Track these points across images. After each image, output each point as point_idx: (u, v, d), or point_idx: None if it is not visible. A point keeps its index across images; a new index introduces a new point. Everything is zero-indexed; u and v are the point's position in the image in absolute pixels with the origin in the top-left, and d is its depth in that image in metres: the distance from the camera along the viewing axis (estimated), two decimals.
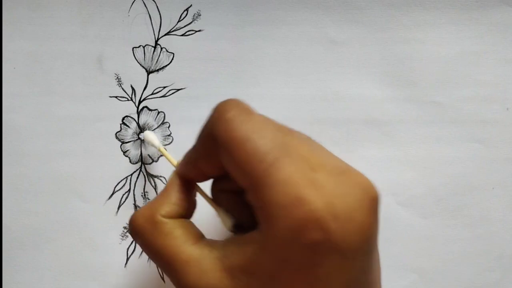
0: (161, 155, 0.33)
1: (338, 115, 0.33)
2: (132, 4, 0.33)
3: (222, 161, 0.22)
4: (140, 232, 0.23)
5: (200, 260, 0.22)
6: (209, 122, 0.22)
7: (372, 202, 0.20)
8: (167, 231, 0.23)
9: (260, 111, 0.22)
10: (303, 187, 0.19)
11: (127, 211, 0.33)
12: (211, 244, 0.22)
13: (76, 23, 0.33)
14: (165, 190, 0.25)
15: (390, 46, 0.33)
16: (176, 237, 0.23)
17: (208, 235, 0.24)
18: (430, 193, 0.34)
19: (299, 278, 0.20)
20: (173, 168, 0.27)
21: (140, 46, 0.33)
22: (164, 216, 0.23)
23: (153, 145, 0.32)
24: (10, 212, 0.33)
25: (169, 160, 0.30)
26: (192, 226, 0.24)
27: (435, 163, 0.34)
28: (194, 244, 0.22)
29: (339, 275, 0.20)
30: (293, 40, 0.33)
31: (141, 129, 0.33)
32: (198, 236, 0.23)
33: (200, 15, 0.33)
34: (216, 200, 0.25)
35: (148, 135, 0.32)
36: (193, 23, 0.33)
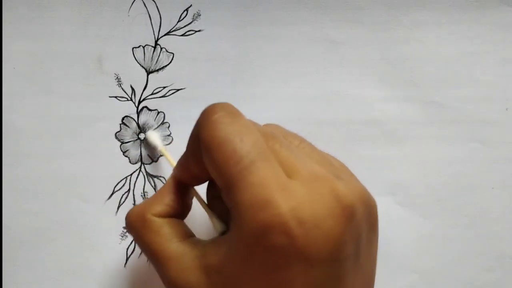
0: (161, 155, 0.33)
1: (338, 115, 0.33)
2: (132, 4, 0.33)
3: (205, 163, 0.22)
4: (132, 227, 0.25)
5: (181, 257, 0.23)
6: (196, 124, 0.23)
7: (344, 211, 0.20)
8: (155, 229, 0.24)
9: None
10: (273, 191, 0.20)
11: (127, 211, 0.33)
12: (195, 243, 0.23)
13: (76, 23, 0.33)
14: (160, 191, 0.26)
15: (390, 46, 0.33)
16: (162, 235, 0.24)
17: (202, 237, 0.25)
18: (430, 193, 0.34)
19: (263, 281, 0.20)
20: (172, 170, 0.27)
21: (140, 46, 0.33)
22: (154, 215, 0.24)
23: (155, 146, 0.32)
24: (10, 212, 0.33)
25: (169, 162, 0.30)
26: (181, 225, 0.25)
27: (435, 163, 0.34)
28: (179, 242, 0.23)
29: (303, 281, 0.20)
30: (293, 40, 0.33)
31: (141, 129, 0.33)
32: (186, 235, 0.24)
33: (200, 15, 0.33)
34: (210, 205, 0.26)
35: (151, 135, 0.32)
36: (193, 23, 0.33)
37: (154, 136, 0.32)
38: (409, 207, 0.34)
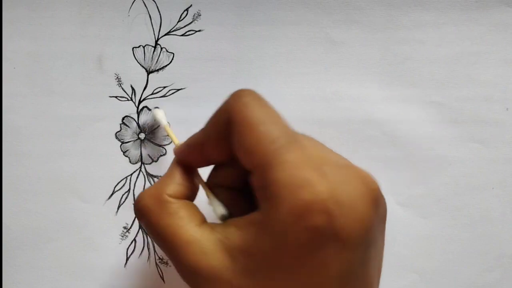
0: (162, 155, 0.33)
1: (338, 115, 0.33)
2: (132, 4, 0.33)
3: (233, 143, 0.22)
4: (146, 211, 0.23)
5: (202, 241, 0.22)
6: (225, 106, 0.23)
7: (373, 195, 0.21)
8: (173, 211, 0.23)
9: None
10: (310, 171, 0.20)
11: (127, 211, 0.33)
12: (212, 226, 0.23)
13: (76, 23, 0.33)
14: (169, 171, 0.25)
15: (390, 46, 0.33)
16: (180, 218, 0.23)
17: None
18: (430, 193, 0.34)
19: (296, 263, 0.20)
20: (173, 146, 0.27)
21: (140, 46, 0.33)
22: (170, 196, 0.24)
23: (160, 123, 0.32)
24: (10, 212, 0.33)
25: (172, 139, 0.30)
26: (196, 208, 0.24)
27: (435, 163, 0.34)
28: (197, 225, 0.23)
29: (336, 264, 0.20)
30: (293, 40, 0.33)
31: (141, 129, 0.33)
32: (201, 219, 0.23)
33: (200, 15, 0.33)
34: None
35: (157, 112, 0.32)
36: (193, 23, 0.33)
37: (160, 114, 0.32)
38: (409, 207, 0.34)
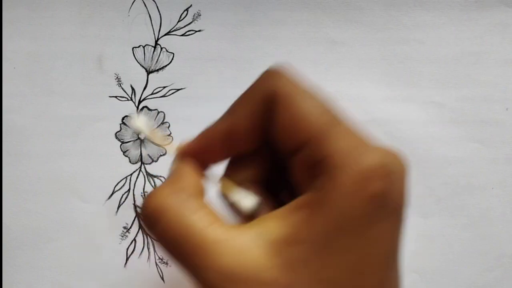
0: (162, 155, 0.33)
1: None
2: (132, 4, 0.33)
3: (273, 123, 0.20)
4: (163, 212, 0.19)
5: (234, 238, 0.19)
6: (262, 82, 0.21)
7: (406, 168, 0.20)
8: (195, 209, 0.20)
9: None
10: (364, 139, 0.19)
11: (127, 211, 0.33)
12: (244, 225, 0.20)
13: (76, 23, 0.33)
14: (177, 169, 0.22)
15: (390, 46, 0.33)
16: (205, 215, 0.19)
17: None
18: (430, 193, 0.34)
19: (354, 239, 0.18)
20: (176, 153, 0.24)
21: (140, 46, 0.33)
22: (189, 194, 0.20)
23: (141, 131, 0.28)
24: (10, 212, 0.33)
25: (160, 145, 0.28)
26: (214, 208, 0.21)
27: (435, 163, 0.34)
28: (222, 224, 0.19)
29: (389, 238, 0.19)
30: (293, 40, 0.33)
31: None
32: (222, 218, 0.20)
33: (200, 15, 0.33)
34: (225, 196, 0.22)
35: (135, 121, 0.26)
36: (193, 23, 0.33)
37: (138, 122, 0.28)
38: (409, 207, 0.34)
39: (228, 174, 0.22)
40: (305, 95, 0.20)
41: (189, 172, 0.22)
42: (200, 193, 0.21)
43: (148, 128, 0.26)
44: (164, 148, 0.28)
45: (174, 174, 0.22)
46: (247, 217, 0.21)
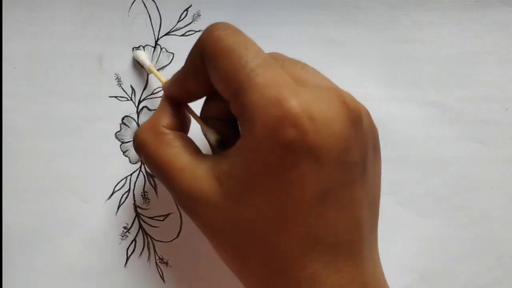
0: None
1: None
2: (132, 4, 0.33)
3: (210, 76, 0.23)
4: (144, 144, 0.25)
5: (194, 168, 0.23)
6: (198, 40, 0.23)
7: (351, 115, 0.21)
8: (168, 141, 0.25)
9: None
10: (282, 90, 0.20)
11: (127, 211, 0.33)
12: (204, 156, 0.24)
13: (76, 23, 0.33)
14: (161, 106, 0.26)
15: (390, 46, 0.33)
16: (175, 147, 0.24)
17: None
18: (430, 193, 0.34)
19: (273, 183, 0.21)
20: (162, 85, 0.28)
21: (140, 46, 0.33)
22: (165, 127, 0.25)
23: (144, 64, 0.32)
24: (10, 212, 0.33)
25: (159, 79, 0.30)
26: (190, 140, 0.26)
27: (435, 163, 0.34)
28: (191, 155, 0.24)
29: (313, 181, 0.20)
30: (293, 40, 0.33)
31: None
32: (195, 149, 0.25)
33: (200, 15, 0.33)
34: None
35: (139, 54, 0.32)
36: (193, 23, 0.33)
37: (142, 55, 0.32)
38: (409, 207, 0.34)
39: (203, 109, 0.27)
40: (229, 51, 0.22)
41: (165, 109, 0.26)
42: (176, 125, 0.26)
43: (149, 62, 0.32)
44: (161, 81, 0.29)
45: (157, 110, 0.26)
46: (216, 149, 0.25)
